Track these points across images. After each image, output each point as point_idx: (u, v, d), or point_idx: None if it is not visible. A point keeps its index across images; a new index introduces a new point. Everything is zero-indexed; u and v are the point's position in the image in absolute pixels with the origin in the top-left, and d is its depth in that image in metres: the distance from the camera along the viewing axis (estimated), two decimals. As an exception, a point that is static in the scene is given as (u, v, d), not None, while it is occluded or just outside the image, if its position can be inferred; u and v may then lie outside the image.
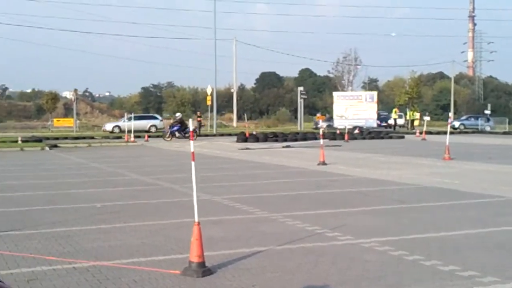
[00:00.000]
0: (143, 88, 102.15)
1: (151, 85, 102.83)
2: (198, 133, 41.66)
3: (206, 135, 45.09)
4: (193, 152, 6.88)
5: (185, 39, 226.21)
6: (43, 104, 61.77)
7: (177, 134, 36.93)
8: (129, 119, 42.99)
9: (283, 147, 30.26)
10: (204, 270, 6.39)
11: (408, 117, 59.33)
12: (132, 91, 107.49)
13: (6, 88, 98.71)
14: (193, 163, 6.84)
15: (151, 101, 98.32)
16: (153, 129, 48.06)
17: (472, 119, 62.47)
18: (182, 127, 37.09)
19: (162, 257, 7.22)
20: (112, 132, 47.25)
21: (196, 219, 6.55)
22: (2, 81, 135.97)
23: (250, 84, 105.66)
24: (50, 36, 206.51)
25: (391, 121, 58.42)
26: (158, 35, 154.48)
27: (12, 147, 29.36)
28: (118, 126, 47.90)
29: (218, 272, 6.51)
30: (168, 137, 36.76)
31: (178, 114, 40.53)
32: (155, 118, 52.74)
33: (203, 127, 49.97)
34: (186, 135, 35.46)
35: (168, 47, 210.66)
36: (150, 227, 9.11)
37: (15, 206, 11.25)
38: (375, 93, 55.67)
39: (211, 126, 52.52)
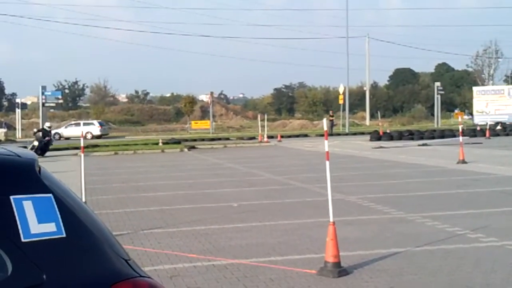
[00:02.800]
0: (275, 89, 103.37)
1: (283, 86, 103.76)
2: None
3: (338, 134, 44.82)
4: (327, 152, 6.84)
5: (316, 38, 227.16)
6: (182, 107, 64.80)
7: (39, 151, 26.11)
8: (68, 126, 49.63)
9: (419, 145, 29.29)
10: (340, 270, 6.33)
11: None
12: (265, 92, 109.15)
13: (148, 93, 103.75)
14: (327, 162, 6.80)
15: (283, 101, 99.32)
16: (89, 136, 47.15)
17: None
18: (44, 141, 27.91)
19: (297, 256, 7.25)
20: None
21: (331, 219, 6.51)
22: (143, 86, 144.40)
23: (383, 81, 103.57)
24: (186, 42, 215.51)
25: None
26: (289, 36, 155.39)
27: (154, 149, 30.98)
28: (58, 133, 48.59)
29: (354, 273, 6.43)
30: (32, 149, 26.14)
31: (47, 124, 31.47)
32: (92, 124, 51.93)
33: (335, 126, 49.71)
34: (41, 151, 26.35)
35: (300, 47, 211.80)
36: (285, 226, 9.19)
37: (157, 205, 11.83)
38: (519, 87, 52.53)
39: (343, 125, 52.05)
